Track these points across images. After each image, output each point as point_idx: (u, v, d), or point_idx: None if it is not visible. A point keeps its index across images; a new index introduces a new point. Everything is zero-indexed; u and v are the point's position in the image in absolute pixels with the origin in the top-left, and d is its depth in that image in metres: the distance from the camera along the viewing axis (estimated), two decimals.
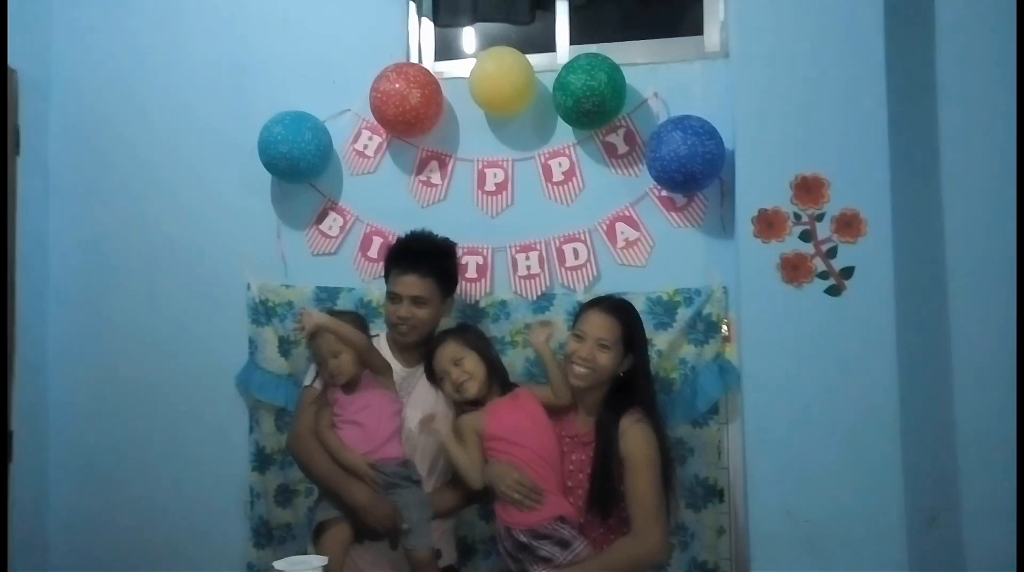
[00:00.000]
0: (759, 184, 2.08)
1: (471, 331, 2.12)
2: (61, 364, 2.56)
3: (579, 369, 1.92)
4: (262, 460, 2.43)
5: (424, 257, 2.07)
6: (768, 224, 2.07)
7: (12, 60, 2.31)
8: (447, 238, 2.16)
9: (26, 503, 2.37)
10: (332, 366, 1.96)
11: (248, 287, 2.46)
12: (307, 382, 2.10)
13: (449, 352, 1.99)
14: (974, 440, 2.10)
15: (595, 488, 1.90)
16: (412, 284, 2.04)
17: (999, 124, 2.08)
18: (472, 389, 1.96)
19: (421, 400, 2.05)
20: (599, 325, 1.93)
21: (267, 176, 2.43)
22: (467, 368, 1.97)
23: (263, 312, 2.44)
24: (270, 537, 2.42)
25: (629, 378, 1.97)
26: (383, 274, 2.16)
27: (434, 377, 2.04)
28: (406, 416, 2.02)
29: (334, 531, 1.89)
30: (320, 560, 1.40)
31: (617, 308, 1.98)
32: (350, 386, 1.99)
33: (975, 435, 2.10)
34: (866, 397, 2.01)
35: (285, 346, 2.42)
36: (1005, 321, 2.07)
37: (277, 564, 1.39)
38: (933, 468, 2.10)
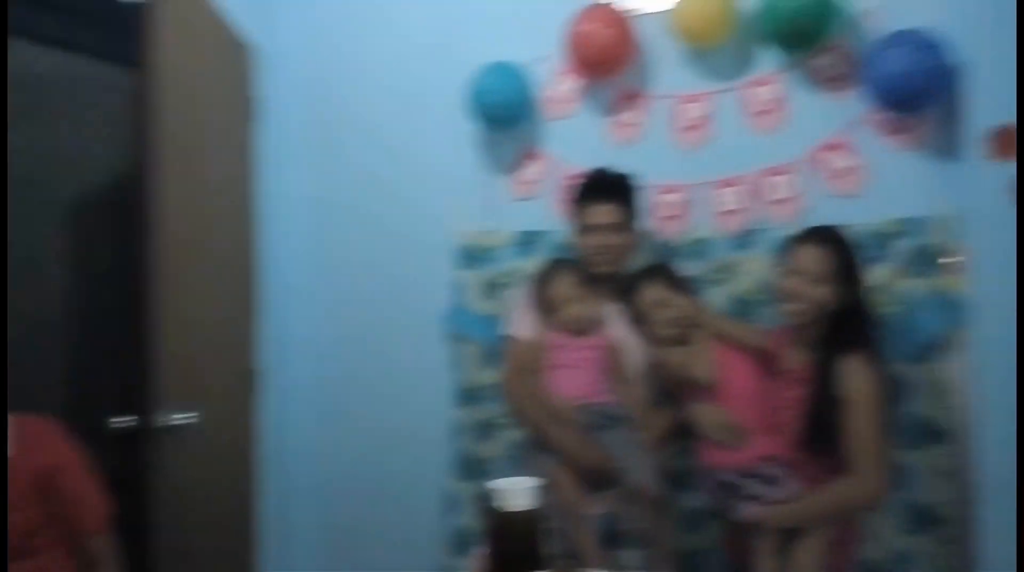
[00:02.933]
0: (995, 99, 1.89)
1: (671, 271, 2.11)
2: (301, 308, 2.82)
3: (793, 306, 1.87)
4: (465, 396, 2.57)
5: (612, 186, 2.12)
6: (1004, 142, 1.89)
7: (247, 35, 2.55)
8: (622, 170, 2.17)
9: (273, 430, 2.67)
10: (572, 314, 1.99)
11: (455, 233, 2.59)
12: (513, 330, 2.16)
13: (652, 294, 2.00)
14: None
15: (810, 427, 1.86)
16: (607, 212, 2.09)
17: None
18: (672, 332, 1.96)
19: (624, 339, 2.09)
20: (812, 258, 1.85)
21: (471, 125, 2.54)
22: (672, 311, 1.98)
23: (469, 257, 2.58)
24: (470, 470, 2.56)
25: (846, 313, 1.88)
26: (571, 215, 2.20)
27: (634, 316, 2.07)
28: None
29: (560, 473, 1.96)
30: (533, 481, 1.47)
31: (829, 238, 1.89)
32: (583, 332, 2.02)
33: None
34: None
35: (488, 289, 2.54)
36: None
37: (492, 483, 1.47)
38: None
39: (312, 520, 2.81)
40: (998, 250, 1.91)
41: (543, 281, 2.04)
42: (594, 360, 2.00)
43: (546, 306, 2.04)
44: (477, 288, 2.58)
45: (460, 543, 2.54)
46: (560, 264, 2.08)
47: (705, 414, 1.89)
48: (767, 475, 1.84)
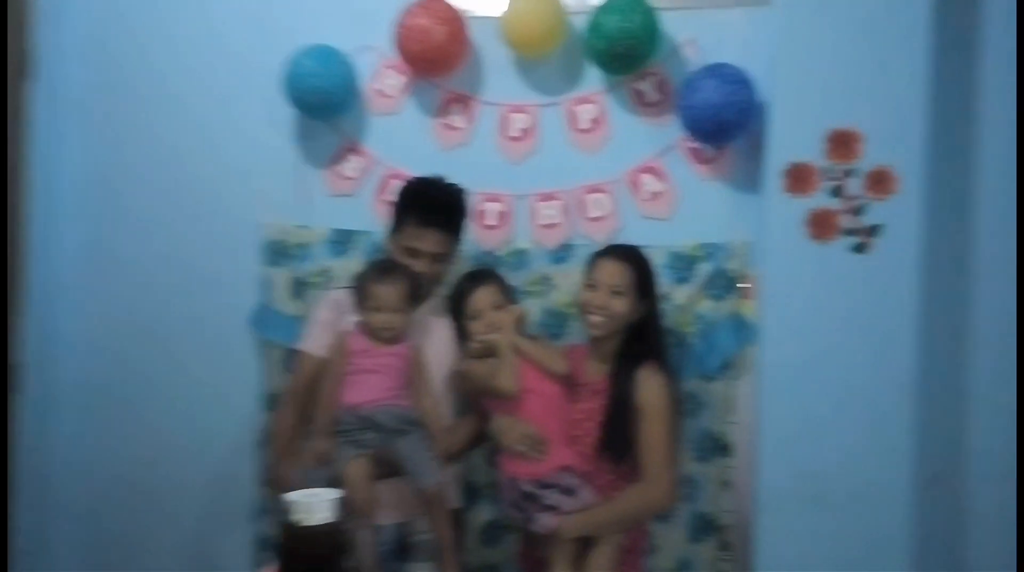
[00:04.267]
0: (792, 137, 2.06)
1: (503, 279, 2.09)
2: (72, 298, 2.50)
3: (595, 318, 1.94)
4: (271, 401, 2.40)
5: (448, 212, 2.03)
6: (797, 178, 2.05)
7: None
8: (460, 187, 2.10)
9: (32, 435, 2.36)
10: (385, 320, 1.91)
11: (262, 227, 2.42)
12: (305, 345, 2.06)
13: (491, 297, 1.98)
14: (984, 408, 2.12)
15: (607, 437, 1.92)
16: (437, 241, 1.99)
17: None
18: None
19: (438, 343, 2.04)
20: (611, 272, 1.94)
21: (287, 111, 2.37)
22: (504, 317, 1.96)
23: (277, 253, 2.41)
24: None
25: (642, 326, 1.98)
26: (393, 225, 2.09)
27: (457, 315, 2.01)
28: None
29: (355, 465, 1.86)
30: (333, 493, 1.38)
31: (628, 254, 1.99)
32: (391, 340, 1.94)
33: (985, 403, 2.12)
34: (883, 357, 2.03)
35: (298, 288, 2.39)
36: None
37: (290, 495, 1.37)
38: (942, 431, 2.11)
39: (77, 538, 2.50)
40: (786, 277, 2.08)
41: (369, 280, 1.93)
42: (394, 366, 1.93)
43: (362, 307, 1.94)
44: (285, 287, 2.41)
45: (262, 555, 2.37)
46: (389, 268, 1.97)
47: (506, 425, 1.89)
48: (565, 485, 1.86)
